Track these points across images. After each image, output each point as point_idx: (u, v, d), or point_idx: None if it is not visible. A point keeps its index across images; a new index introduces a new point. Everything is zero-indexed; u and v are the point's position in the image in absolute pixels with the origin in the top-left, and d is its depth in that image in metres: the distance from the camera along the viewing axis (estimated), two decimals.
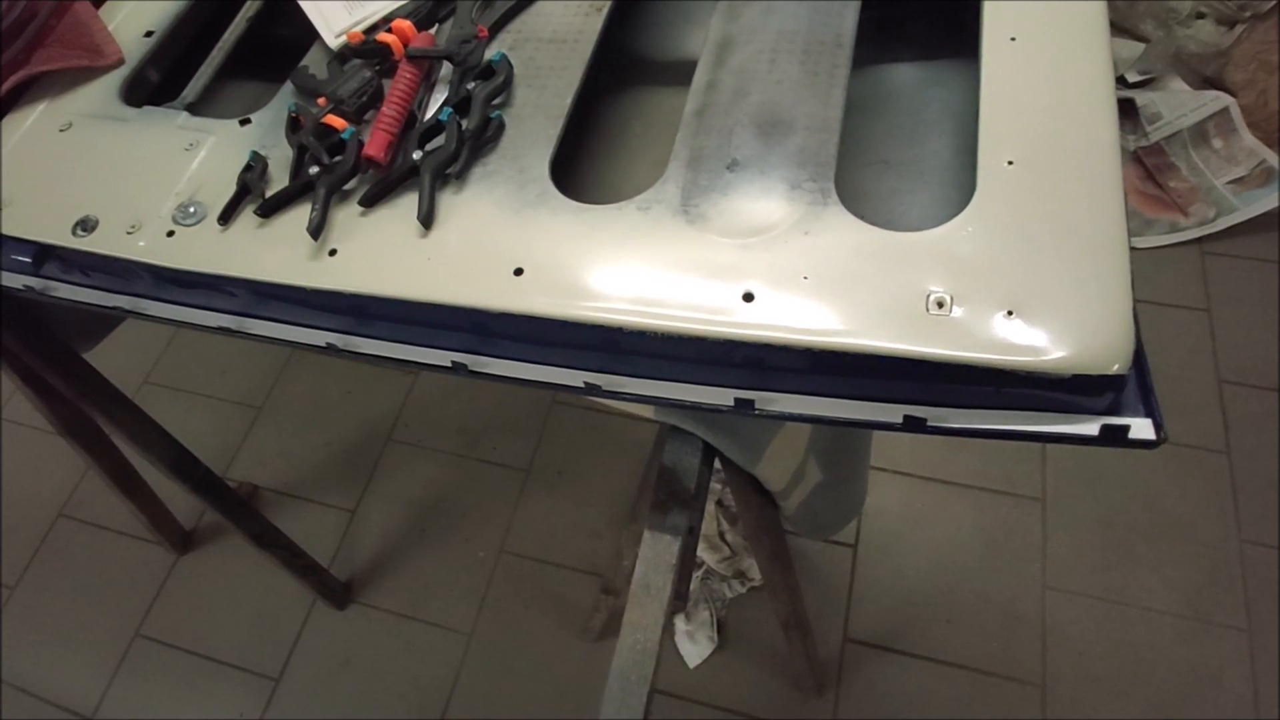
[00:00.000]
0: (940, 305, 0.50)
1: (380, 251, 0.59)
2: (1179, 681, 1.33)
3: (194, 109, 0.74)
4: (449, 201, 0.61)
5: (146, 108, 0.73)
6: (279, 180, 0.64)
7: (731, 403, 0.55)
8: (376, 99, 0.67)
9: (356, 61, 0.69)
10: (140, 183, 0.67)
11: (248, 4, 0.82)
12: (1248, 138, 1.77)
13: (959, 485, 1.54)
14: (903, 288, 0.51)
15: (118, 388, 1.07)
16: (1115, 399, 0.49)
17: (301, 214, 0.61)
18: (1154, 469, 1.51)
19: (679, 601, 0.65)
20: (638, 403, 0.60)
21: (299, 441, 1.74)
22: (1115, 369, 0.47)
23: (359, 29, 0.72)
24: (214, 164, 0.67)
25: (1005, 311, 0.49)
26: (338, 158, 0.63)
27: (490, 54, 0.68)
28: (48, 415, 1.12)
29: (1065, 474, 1.52)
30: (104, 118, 0.72)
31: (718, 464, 0.72)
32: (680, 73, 0.72)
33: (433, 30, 0.73)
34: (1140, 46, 1.84)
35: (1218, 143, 1.79)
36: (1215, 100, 1.77)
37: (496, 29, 0.71)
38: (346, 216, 0.62)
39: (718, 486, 1.48)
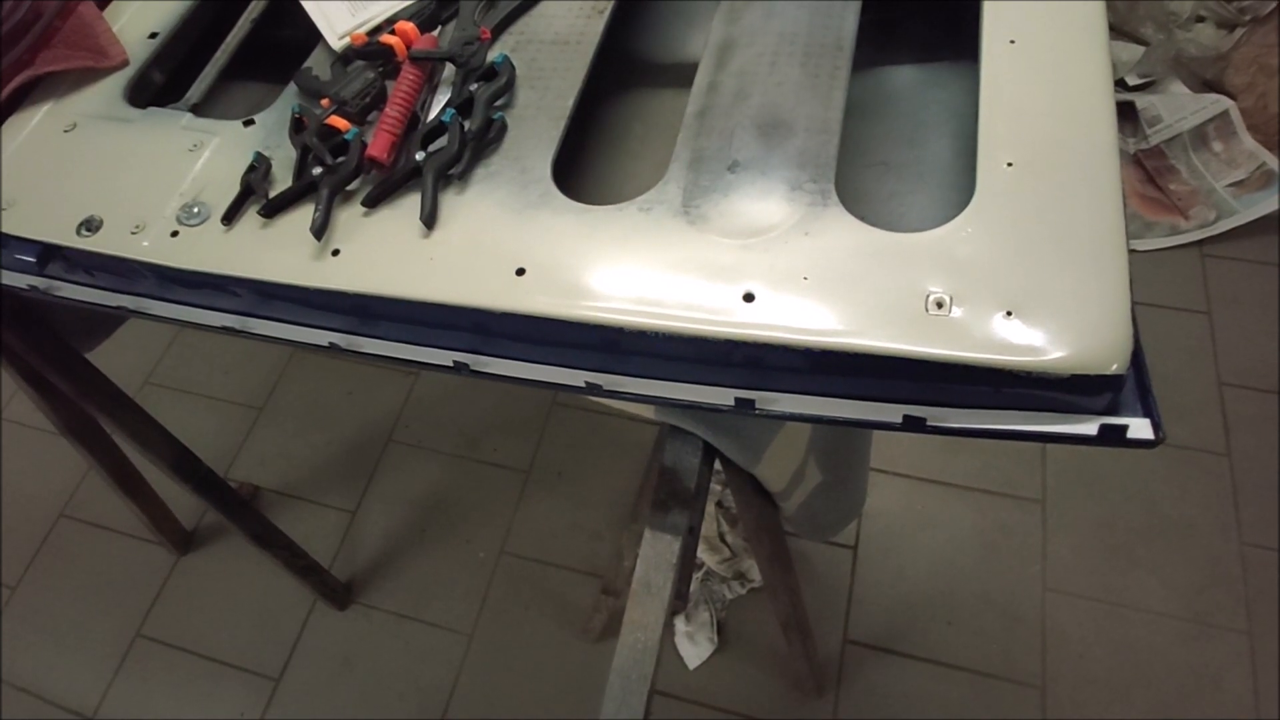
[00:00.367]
0: (940, 305, 0.50)
1: (383, 252, 0.60)
2: (1179, 683, 1.33)
3: (198, 110, 0.74)
4: (451, 202, 0.61)
5: (151, 109, 0.73)
6: (282, 181, 0.64)
7: (732, 402, 0.56)
8: (379, 100, 0.68)
9: (360, 63, 0.70)
10: (144, 183, 0.67)
11: (251, 5, 0.82)
12: (1248, 141, 1.77)
13: (959, 487, 1.54)
14: (902, 288, 0.51)
15: (120, 388, 1.07)
16: (1114, 399, 0.50)
17: (305, 214, 0.62)
18: (1154, 471, 1.51)
19: (679, 601, 0.65)
20: (638, 402, 0.60)
21: (300, 442, 1.74)
22: (1113, 369, 0.47)
23: (362, 30, 0.73)
24: (218, 165, 0.67)
25: (1004, 312, 0.49)
26: (341, 158, 0.63)
27: (493, 55, 0.68)
28: (49, 415, 1.12)
29: (1065, 476, 1.52)
30: (108, 119, 0.73)
31: (718, 465, 0.72)
32: (682, 74, 0.72)
33: (435, 32, 0.73)
34: (1140, 49, 1.85)
35: (1218, 146, 1.79)
36: (1215, 103, 1.78)
37: (499, 31, 0.72)
38: (349, 217, 0.62)
39: (718, 488, 1.48)
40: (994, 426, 0.51)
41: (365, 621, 1.52)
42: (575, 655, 1.44)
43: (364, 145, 0.63)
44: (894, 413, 0.53)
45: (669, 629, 0.64)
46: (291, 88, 0.71)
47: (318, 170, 0.63)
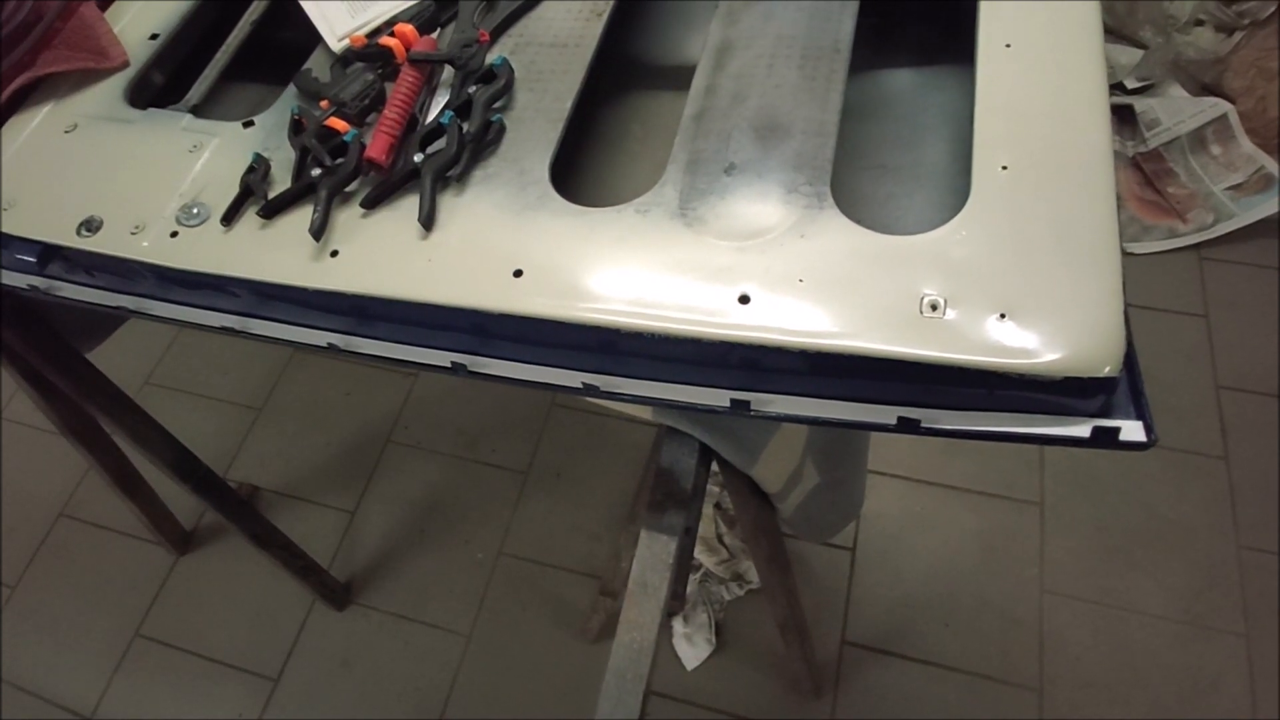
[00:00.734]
0: (934, 308, 0.50)
1: (381, 253, 0.60)
2: (1176, 686, 1.33)
3: (198, 111, 0.75)
4: (449, 204, 0.61)
5: (151, 110, 0.73)
6: (281, 182, 0.65)
7: (728, 404, 0.56)
8: (378, 102, 0.68)
9: (359, 65, 0.70)
10: (144, 184, 0.67)
11: (252, 7, 0.82)
12: (1246, 144, 1.77)
13: (957, 489, 1.54)
14: (897, 290, 0.51)
15: (120, 388, 1.07)
16: (1106, 401, 0.50)
17: (303, 215, 0.62)
18: (1152, 474, 1.51)
19: (676, 602, 0.65)
20: (635, 404, 0.60)
21: (299, 442, 1.74)
22: (1106, 371, 0.47)
23: (361, 32, 0.73)
24: (217, 166, 0.67)
25: (998, 314, 0.49)
26: (340, 160, 0.63)
27: (491, 58, 0.68)
28: (49, 414, 1.13)
29: (1063, 478, 1.53)
30: (109, 119, 0.73)
31: (716, 466, 0.72)
32: (679, 77, 0.72)
33: (435, 34, 0.73)
34: (1139, 53, 1.85)
35: (1216, 149, 1.80)
36: (1214, 107, 1.78)
37: (498, 33, 0.72)
38: (348, 218, 0.62)
39: (716, 489, 1.49)
40: (988, 428, 0.51)
41: (364, 622, 1.52)
42: (573, 656, 1.44)
43: (363, 147, 0.63)
44: (888, 414, 0.53)
45: (666, 630, 0.65)
46: (291, 89, 0.72)
47: (317, 171, 0.63)
